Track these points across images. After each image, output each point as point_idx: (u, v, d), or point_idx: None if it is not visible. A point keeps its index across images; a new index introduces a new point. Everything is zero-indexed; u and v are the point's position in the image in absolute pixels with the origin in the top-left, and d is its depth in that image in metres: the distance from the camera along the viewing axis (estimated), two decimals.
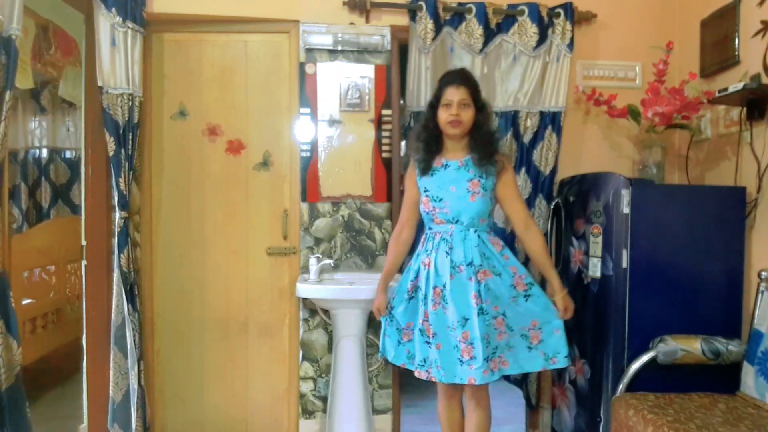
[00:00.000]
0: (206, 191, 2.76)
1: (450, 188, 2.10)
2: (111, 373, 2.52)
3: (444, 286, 2.04)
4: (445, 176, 2.13)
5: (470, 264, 2.03)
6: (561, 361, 2.10)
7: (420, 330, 2.08)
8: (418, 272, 2.13)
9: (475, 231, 2.08)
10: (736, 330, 2.27)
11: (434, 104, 2.15)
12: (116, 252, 2.49)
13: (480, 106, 2.14)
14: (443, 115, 2.10)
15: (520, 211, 2.14)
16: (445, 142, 2.17)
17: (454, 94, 2.08)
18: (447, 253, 2.06)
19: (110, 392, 2.53)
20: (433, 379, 2.06)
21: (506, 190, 2.13)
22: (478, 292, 2.00)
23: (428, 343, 2.06)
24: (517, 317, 2.08)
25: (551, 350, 2.09)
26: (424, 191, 2.14)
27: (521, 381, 2.79)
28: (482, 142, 2.11)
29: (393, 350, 2.21)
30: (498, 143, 2.21)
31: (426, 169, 2.15)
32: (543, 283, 2.29)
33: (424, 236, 2.19)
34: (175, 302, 2.77)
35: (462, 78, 2.13)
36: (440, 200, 2.11)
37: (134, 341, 2.48)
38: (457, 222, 2.09)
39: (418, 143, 2.19)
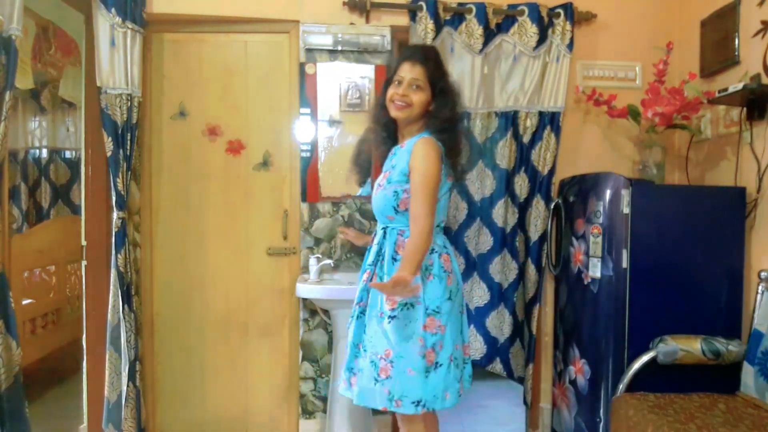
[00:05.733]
0: (206, 191, 2.76)
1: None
2: (106, 373, 2.52)
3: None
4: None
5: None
6: (406, 406, 1.76)
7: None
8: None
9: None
10: (736, 330, 2.27)
11: (388, 82, 1.90)
12: (113, 252, 2.49)
13: (437, 91, 1.85)
14: (389, 92, 1.86)
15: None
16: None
17: (408, 72, 1.84)
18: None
19: (105, 392, 2.53)
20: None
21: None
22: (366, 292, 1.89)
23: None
24: (374, 338, 1.82)
25: (398, 390, 1.77)
26: None
27: (523, 378, 2.79)
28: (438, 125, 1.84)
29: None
30: (456, 132, 1.89)
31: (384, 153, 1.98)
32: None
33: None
34: (175, 302, 2.76)
35: (422, 55, 1.85)
36: None
37: (128, 341, 2.48)
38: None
39: (377, 126, 1.98)
